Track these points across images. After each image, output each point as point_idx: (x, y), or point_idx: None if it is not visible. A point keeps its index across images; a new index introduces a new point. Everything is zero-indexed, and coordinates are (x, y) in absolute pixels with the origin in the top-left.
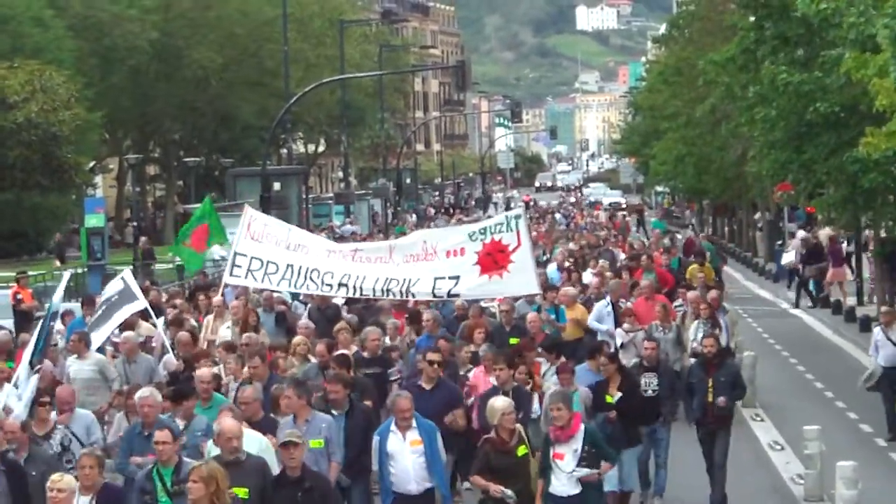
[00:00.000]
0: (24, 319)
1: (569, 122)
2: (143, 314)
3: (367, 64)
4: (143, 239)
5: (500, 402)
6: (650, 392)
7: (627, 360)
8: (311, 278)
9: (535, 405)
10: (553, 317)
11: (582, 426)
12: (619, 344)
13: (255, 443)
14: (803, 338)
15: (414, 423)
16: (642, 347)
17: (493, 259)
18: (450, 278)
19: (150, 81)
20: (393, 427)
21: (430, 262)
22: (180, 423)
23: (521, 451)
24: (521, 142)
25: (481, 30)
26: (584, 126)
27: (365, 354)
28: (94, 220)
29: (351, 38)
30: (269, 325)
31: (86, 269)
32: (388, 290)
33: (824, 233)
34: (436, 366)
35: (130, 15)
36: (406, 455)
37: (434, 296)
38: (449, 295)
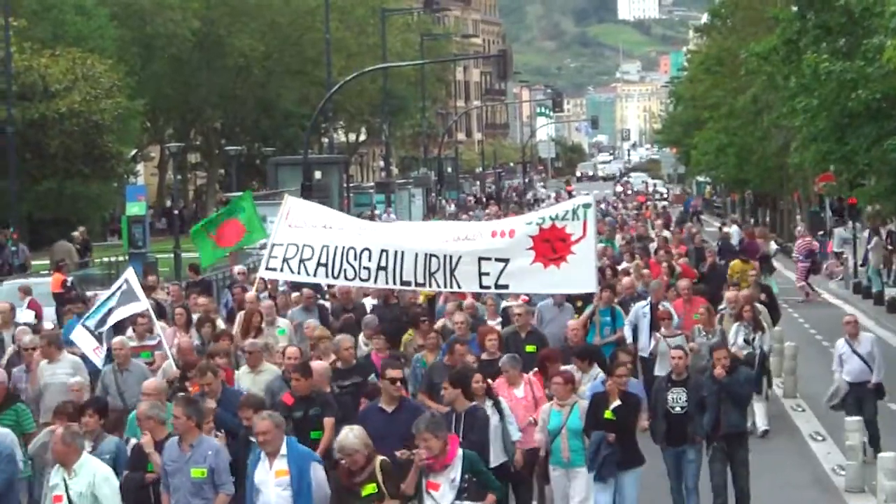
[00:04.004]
0: (62, 305)
1: (610, 112)
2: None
3: (409, 53)
4: (80, 229)
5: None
6: (678, 409)
7: (664, 370)
8: (347, 260)
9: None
10: (608, 318)
11: (459, 452)
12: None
13: (89, 472)
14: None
15: (284, 451)
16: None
17: (552, 246)
18: (497, 260)
19: (192, 70)
20: (262, 454)
21: (472, 242)
22: (87, 445)
23: (368, 490)
24: (562, 131)
25: (523, 19)
26: (625, 116)
27: (339, 365)
28: (135, 209)
29: (393, 27)
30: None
31: (127, 258)
32: (432, 276)
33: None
34: (398, 384)
35: (172, 3)
36: (270, 487)
37: (481, 286)
38: (497, 286)
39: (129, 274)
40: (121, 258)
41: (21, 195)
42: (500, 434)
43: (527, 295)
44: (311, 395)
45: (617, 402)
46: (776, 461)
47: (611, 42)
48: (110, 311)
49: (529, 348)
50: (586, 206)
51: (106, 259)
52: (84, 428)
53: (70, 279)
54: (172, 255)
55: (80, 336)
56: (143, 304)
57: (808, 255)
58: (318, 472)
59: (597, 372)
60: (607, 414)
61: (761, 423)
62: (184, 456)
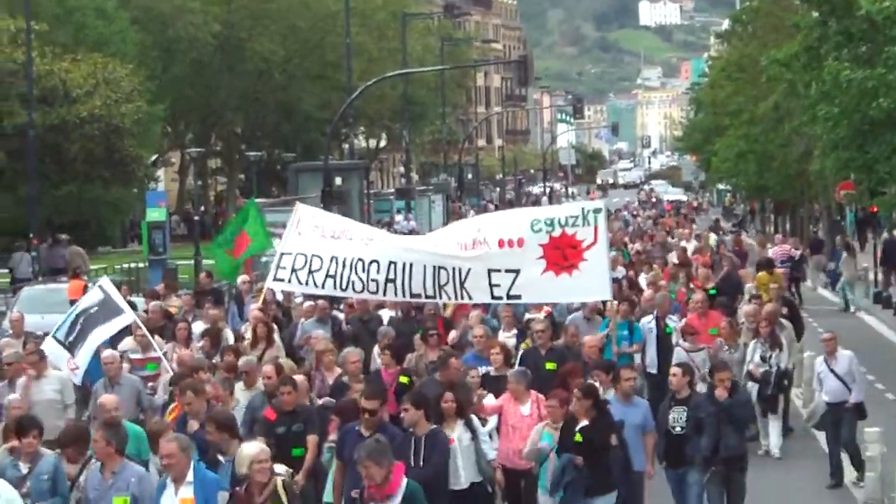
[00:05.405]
0: None
1: (630, 119)
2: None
3: (430, 58)
4: (63, 237)
5: (251, 449)
6: (678, 429)
7: None
8: (356, 272)
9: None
10: (626, 333)
11: (404, 482)
12: None
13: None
14: (864, 338)
15: (190, 477)
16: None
17: (563, 254)
18: (507, 271)
19: (213, 73)
20: (168, 480)
21: (480, 251)
22: (23, 467)
23: None
24: (582, 138)
25: (543, 24)
26: (645, 122)
27: (345, 379)
28: (155, 214)
29: (413, 32)
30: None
31: (147, 264)
32: (441, 288)
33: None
34: (367, 415)
35: (193, 7)
36: None
37: (493, 297)
38: (509, 297)
39: (105, 282)
40: (141, 264)
41: (40, 199)
42: (472, 453)
43: (549, 306)
44: (295, 409)
45: (584, 423)
46: (794, 472)
47: (632, 48)
48: (85, 323)
49: (550, 365)
50: (597, 210)
51: (126, 265)
52: (25, 449)
53: (90, 285)
54: (193, 262)
55: (51, 349)
56: (128, 315)
57: (787, 260)
58: (224, 500)
59: None
60: (577, 437)
61: (775, 448)
62: (105, 484)
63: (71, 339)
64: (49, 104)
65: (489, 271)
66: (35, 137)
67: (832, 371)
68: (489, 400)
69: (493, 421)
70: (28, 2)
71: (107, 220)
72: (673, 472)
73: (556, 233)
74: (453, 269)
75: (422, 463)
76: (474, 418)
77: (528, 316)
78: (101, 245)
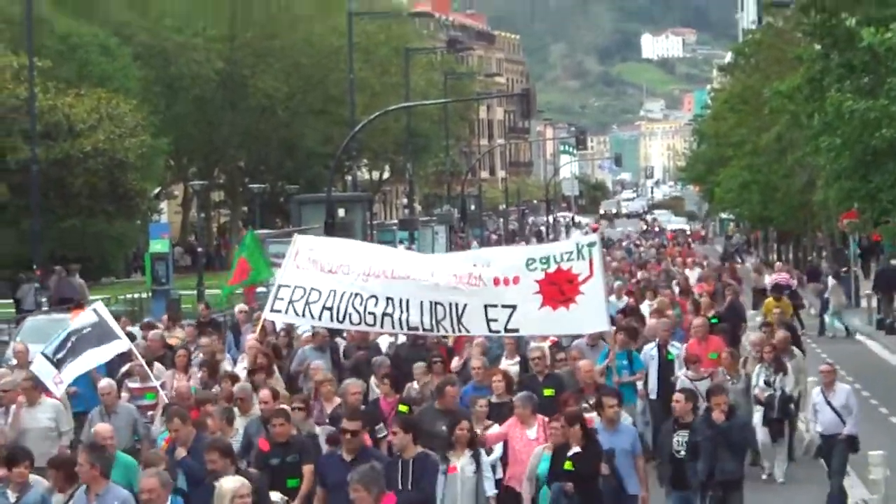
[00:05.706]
0: None
1: (633, 150)
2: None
3: (433, 92)
4: (57, 268)
5: (231, 483)
6: (683, 453)
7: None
8: (353, 305)
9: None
10: (625, 362)
11: None
12: None
13: None
14: (867, 363)
15: None
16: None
17: (559, 289)
18: (503, 307)
19: (216, 110)
20: None
21: (476, 288)
22: (12, 496)
23: None
24: (585, 169)
25: (546, 58)
26: (648, 153)
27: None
28: (158, 246)
29: (416, 66)
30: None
31: (150, 294)
32: (439, 323)
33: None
34: (348, 436)
35: (196, 44)
36: None
37: (490, 331)
38: (507, 330)
39: (99, 306)
40: (143, 294)
41: (44, 234)
42: (473, 486)
43: (556, 336)
44: (288, 441)
45: (575, 450)
46: (797, 499)
47: (634, 80)
48: (76, 342)
49: (547, 392)
50: (591, 244)
51: (129, 296)
52: (15, 479)
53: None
54: (196, 292)
55: (39, 366)
56: (123, 342)
57: (786, 288)
58: None
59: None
60: (567, 464)
61: (780, 474)
62: None
63: (60, 355)
64: (52, 139)
65: (486, 306)
66: (38, 172)
67: (828, 403)
68: (492, 429)
69: (497, 450)
70: (31, 38)
71: (110, 255)
72: (677, 494)
73: (552, 269)
74: (450, 304)
75: (410, 487)
76: (482, 452)
77: (532, 345)
78: (105, 276)
